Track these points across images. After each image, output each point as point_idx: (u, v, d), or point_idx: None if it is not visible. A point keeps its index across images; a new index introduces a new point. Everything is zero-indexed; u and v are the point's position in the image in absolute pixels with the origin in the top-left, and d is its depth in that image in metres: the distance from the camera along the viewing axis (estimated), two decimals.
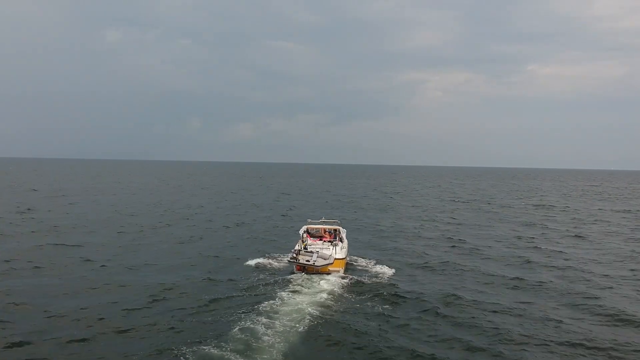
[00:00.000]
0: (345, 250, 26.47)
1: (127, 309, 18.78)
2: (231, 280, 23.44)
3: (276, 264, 26.71)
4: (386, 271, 25.74)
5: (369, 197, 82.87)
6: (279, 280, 23.13)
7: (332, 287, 21.97)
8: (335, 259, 24.40)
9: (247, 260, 27.27)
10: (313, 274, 23.78)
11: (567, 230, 44.27)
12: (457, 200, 79.82)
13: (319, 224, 31.50)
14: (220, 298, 20.33)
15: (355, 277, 24.23)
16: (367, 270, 26.05)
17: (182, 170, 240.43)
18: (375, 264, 27.30)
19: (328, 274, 23.91)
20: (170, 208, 55.59)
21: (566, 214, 59.73)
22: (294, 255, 24.43)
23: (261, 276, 24.10)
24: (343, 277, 23.95)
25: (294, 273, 24.25)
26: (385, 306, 19.84)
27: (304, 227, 30.00)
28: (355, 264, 27.60)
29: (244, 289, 21.66)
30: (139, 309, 18.90)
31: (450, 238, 38.03)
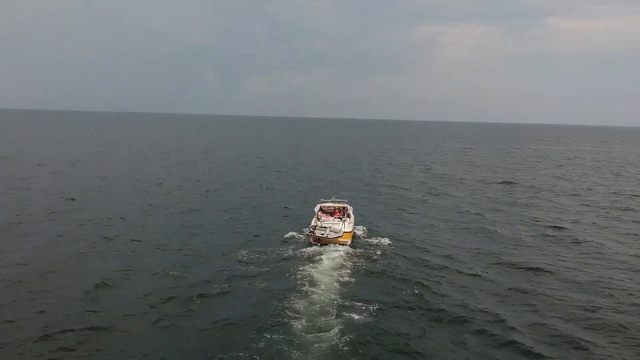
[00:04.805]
0: (352, 224, 31.79)
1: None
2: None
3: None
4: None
5: None
6: (304, 252, 28.42)
7: (340, 255, 27.68)
8: (344, 232, 29.80)
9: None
10: (326, 244, 29.14)
11: None
12: None
13: (330, 202, 36.22)
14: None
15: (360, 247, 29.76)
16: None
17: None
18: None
19: (338, 244, 29.26)
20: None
21: None
22: (312, 230, 29.75)
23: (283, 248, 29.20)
24: (350, 246, 29.42)
25: (311, 244, 29.46)
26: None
27: (318, 206, 34.91)
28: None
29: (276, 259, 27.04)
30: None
31: None
